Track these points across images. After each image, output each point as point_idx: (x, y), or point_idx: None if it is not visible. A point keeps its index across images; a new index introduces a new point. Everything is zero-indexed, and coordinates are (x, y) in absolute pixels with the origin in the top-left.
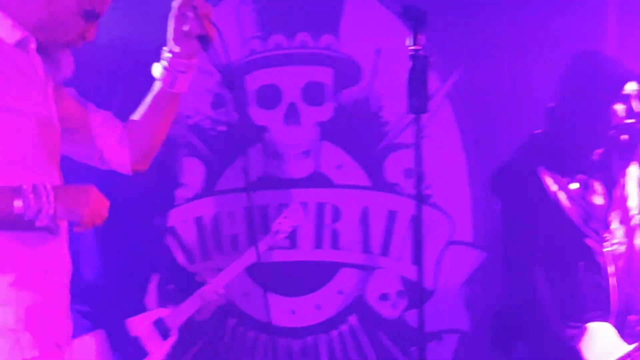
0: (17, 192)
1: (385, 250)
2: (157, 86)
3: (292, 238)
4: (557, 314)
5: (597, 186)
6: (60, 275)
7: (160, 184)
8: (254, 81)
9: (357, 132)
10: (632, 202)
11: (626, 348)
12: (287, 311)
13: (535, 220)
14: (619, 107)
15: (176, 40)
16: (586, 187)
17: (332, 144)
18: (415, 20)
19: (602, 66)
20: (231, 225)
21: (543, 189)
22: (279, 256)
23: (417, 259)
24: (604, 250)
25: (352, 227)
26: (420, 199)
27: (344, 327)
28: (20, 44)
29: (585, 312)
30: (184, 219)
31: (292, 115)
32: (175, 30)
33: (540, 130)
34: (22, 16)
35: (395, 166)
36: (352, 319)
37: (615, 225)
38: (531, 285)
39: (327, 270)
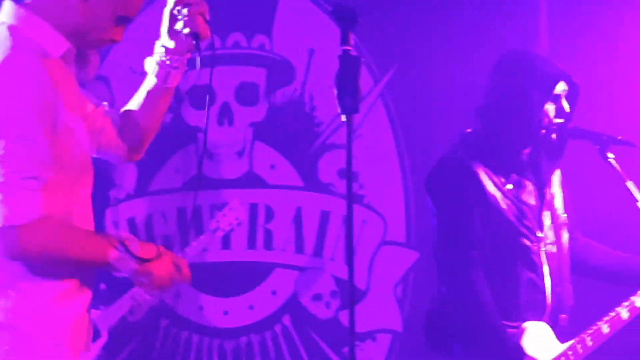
0: (115, 243)
1: (318, 251)
2: (150, 81)
3: (226, 238)
4: (498, 313)
5: (529, 186)
6: (93, 285)
7: (95, 184)
8: (187, 81)
9: (291, 133)
10: (557, 203)
11: (561, 347)
12: (220, 312)
13: (472, 220)
14: (550, 107)
15: (170, 36)
16: (519, 187)
17: (265, 144)
18: (345, 20)
19: (533, 65)
20: (164, 226)
21: (480, 188)
22: (212, 256)
23: (349, 259)
24: (540, 249)
25: (285, 227)
26: (351, 199)
27: (277, 328)
28: (65, 56)
29: (522, 311)
30: (116, 219)
31: (225, 115)
32: (170, 26)
33: (470, 130)
34: (60, 23)
35: (328, 166)
36: (286, 320)
37: (547, 224)
38: (469, 285)
39: (261, 270)
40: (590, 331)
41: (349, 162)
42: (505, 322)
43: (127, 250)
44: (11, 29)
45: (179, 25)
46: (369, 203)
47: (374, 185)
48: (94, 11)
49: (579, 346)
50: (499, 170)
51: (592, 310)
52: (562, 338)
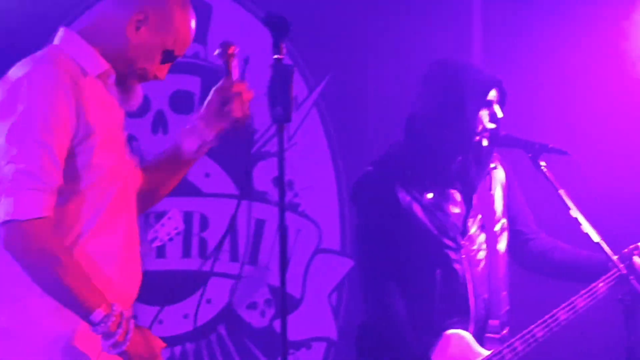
0: (103, 307)
1: (253, 259)
2: (178, 149)
3: (161, 247)
4: (412, 327)
5: (455, 194)
6: None
7: None
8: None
9: (226, 141)
10: (496, 207)
11: (484, 353)
12: (155, 320)
13: (389, 233)
14: (484, 113)
15: (216, 116)
16: (442, 197)
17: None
18: (276, 29)
19: (466, 73)
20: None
21: (396, 201)
22: (146, 265)
23: (281, 267)
24: (461, 257)
25: (220, 235)
26: (283, 209)
27: (212, 336)
28: (102, 76)
29: (445, 321)
30: None
31: (159, 124)
32: (218, 108)
33: (398, 140)
34: (108, 48)
35: (263, 174)
36: (221, 328)
37: (473, 231)
38: (385, 299)
39: (195, 279)
40: (521, 336)
41: (281, 171)
42: (428, 332)
43: (110, 322)
44: (54, 47)
45: (226, 109)
46: (303, 211)
47: (308, 194)
48: (144, 40)
49: (507, 351)
50: (420, 181)
51: (535, 312)
52: (492, 345)
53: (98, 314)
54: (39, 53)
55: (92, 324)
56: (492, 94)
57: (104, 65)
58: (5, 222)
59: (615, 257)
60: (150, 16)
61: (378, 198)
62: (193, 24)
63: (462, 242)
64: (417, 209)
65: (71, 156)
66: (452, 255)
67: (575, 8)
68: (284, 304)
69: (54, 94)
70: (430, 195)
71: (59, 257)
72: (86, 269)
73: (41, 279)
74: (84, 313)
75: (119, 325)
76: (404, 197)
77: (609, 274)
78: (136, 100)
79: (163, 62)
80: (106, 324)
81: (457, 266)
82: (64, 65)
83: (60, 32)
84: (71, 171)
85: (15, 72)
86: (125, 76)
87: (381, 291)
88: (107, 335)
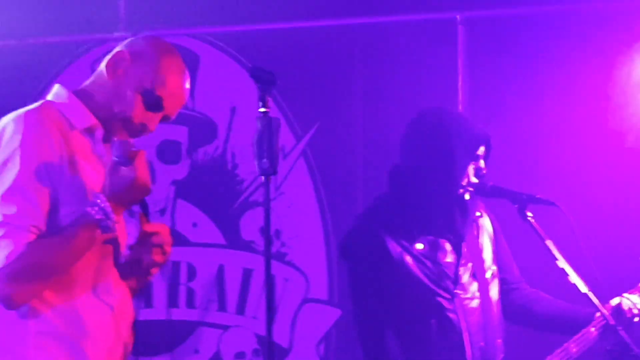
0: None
1: (241, 309)
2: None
3: (148, 297)
4: None
5: (446, 244)
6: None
7: None
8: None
9: (213, 191)
10: (485, 255)
11: None
12: None
13: (382, 284)
14: (471, 167)
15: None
16: (434, 247)
17: (187, 202)
18: (263, 82)
19: (457, 126)
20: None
21: (388, 253)
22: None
23: (269, 317)
24: (455, 306)
25: (207, 285)
26: (269, 261)
27: None
28: (88, 131)
29: None
30: None
31: None
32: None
33: (385, 192)
34: (95, 104)
35: (250, 224)
36: None
37: (465, 279)
38: (382, 350)
39: (183, 329)
40: None
41: (267, 223)
42: None
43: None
44: (45, 101)
45: (141, 258)
46: (290, 260)
47: (296, 243)
48: (121, 79)
49: None
50: (409, 232)
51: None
52: None
53: (92, 218)
54: (31, 106)
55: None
56: (480, 149)
57: (91, 120)
58: None
59: (604, 310)
60: (127, 55)
61: (369, 250)
62: (181, 73)
63: (455, 291)
64: (408, 259)
65: (56, 205)
66: (446, 304)
67: (560, 56)
68: (272, 353)
69: (41, 145)
70: (420, 246)
71: (47, 257)
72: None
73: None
74: (89, 230)
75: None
76: (395, 248)
77: (597, 319)
78: (124, 163)
79: (148, 107)
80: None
81: (451, 315)
82: (53, 118)
83: (54, 87)
84: (56, 223)
85: (6, 122)
86: (112, 126)
87: (379, 341)
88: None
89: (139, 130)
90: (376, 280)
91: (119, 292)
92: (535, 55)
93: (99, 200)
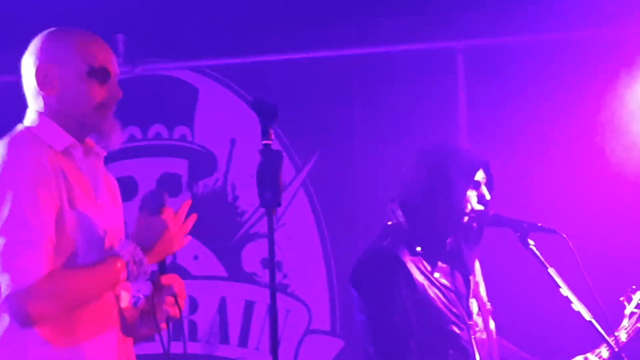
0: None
1: (243, 341)
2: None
3: None
4: None
5: (457, 274)
6: None
7: None
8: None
9: (214, 223)
10: (482, 289)
11: None
12: None
13: (405, 310)
14: (471, 194)
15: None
16: (448, 274)
17: (188, 234)
18: (265, 114)
19: (454, 153)
20: None
21: (409, 276)
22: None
23: (273, 349)
24: (470, 337)
25: (209, 318)
26: (274, 293)
27: None
28: (67, 150)
29: None
30: None
31: None
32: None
33: (393, 222)
34: (65, 115)
35: (252, 256)
36: None
37: (474, 311)
38: None
39: None
40: None
41: (271, 255)
42: None
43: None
44: (24, 129)
45: (160, 314)
46: (293, 292)
47: (297, 274)
48: (62, 86)
49: None
50: (426, 259)
51: None
52: None
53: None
54: (11, 135)
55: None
56: (480, 175)
57: (68, 139)
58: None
59: (609, 338)
60: (48, 64)
61: (391, 273)
62: (92, 39)
63: (469, 323)
64: (428, 286)
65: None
66: (462, 334)
67: (559, 84)
68: None
69: (35, 172)
70: (437, 275)
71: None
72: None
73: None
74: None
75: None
76: (416, 272)
77: (607, 343)
78: (115, 137)
79: (101, 81)
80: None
81: (467, 346)
82: (36, 144)
83: (27, 112)
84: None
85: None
86: (86, 123)
87: None
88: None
89: (111, 104)
90: (399, 304)
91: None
92: (535, 83)
93: (132, 248)
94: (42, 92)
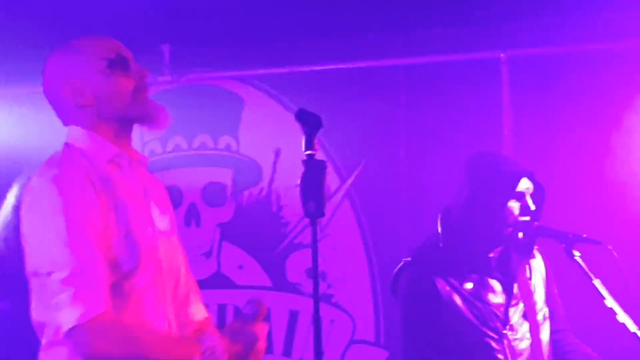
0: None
1: (287, 351)
2: None
3: None
4: None
5: (494, 284)
6: None
7: None
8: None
9: (258, 233)
10: (537, 297)
11: None
12: None
13: (432, 324)
14: (514, 205)
15: None
16: (481, 286)
17: (232, 244)
18: (309, 125)
19: (496, 164)
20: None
21: (437, 292)
22: None
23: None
24: (504, 347)
25: None
26: (317, 303)
27: None
28: (113, 161)
29: None
30: None
31: (192, 216)
32: None
33: (434, 232)
34: (108, 118)
35: (296, 266)
36: None
37: (515, 320)
38: None
39: None
40: None
41: (314, 265)
42: None
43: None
44: (65, 146)
45: None
46: (337, 302)
47: (341, 284)
48: (94, 90)
49: None
50: (459, 272)
51: None
52: None
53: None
54: (53, 157)
55: None
56: (524, 186)
57: (113, 150)
58: (70, 330)
59: None
60: (65, 79)
61: (418, 290)
62: (95, 37)
63: (504, 332)
64: (457, 299)
65: (109, 247)
66: (494, 345)
67: (604, 93)
68: None
69: (77, 196)
70: (469, 286)
71: (134, 340)
72: None
73: None
74: None
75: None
76: (444, 287)
77: None
78: (161, 116)
79: (123, 71)
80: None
81: (499, 356)
82: (76, 164)
83: (69, 129)
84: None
85: (36, 180)
86: (130, 114)
87: None
88: None
89: (144, 87)
90: (426, 321)
91: (179, 329)
92: (579, 93)
93: (218, 341)
94: (76, 107)
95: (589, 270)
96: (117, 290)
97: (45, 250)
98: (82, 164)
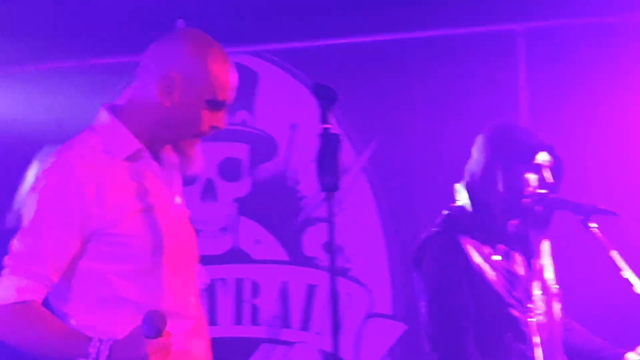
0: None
1: (305, 325)
2: None
3: (212, 314)
4: None
5: (517, 257)
6: None
7: None
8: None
9: (275, 207)
10: (548, 274)
11: None
12: None
13: (462, 293)
14: (532, 177)
15: None
16: (507, 258)
17: (249, 219)
18: (324, 98)
19: (514, 136)
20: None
21: (467, 260)
22: None
23: (334, 333)
24: (529, 320)
25: (271, 302)
26: (334, 277)
27: None
28: (134, 157)
29: None
30: None
31: (209, 191)
32: None
33: (454, 203)
34: (146, 121)
35: (313, 240)
36: None
37: (536, 295)
38: (464, 357)
39: (247, 346)
40: None
41: (331, 239)
42: None
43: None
44: (88, 131)
45: None
46: (354, 276)
47: (358, 258)
48: (180, 101)
49: None
50: (485, 241)
51: None
52: None
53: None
54: (72, 140)
55: None
56: (542, 158)
57: (135, 145)
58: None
59: None
60: (177, 77)
61: (449, 256)
62: (227, 64)
63: (528, 306)
64: (486, 268)
65: (100, 243)
66: (521, 317)
67: (621, 66)
68: None
69: (66, 190)
70: (497, 257)
71: (32, 332)
72: None
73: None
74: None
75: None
76: (474, 255)
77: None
78: (197, 164)
79: (213, 111)
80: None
81: (525, 329)
82: (88, 156)
83: (100, 112)
84: (104, 257)
85: (50, 160)
86: (179, 141)
87: (459, 349)
88: None
89: (209, 132)
90: (456, 287)
91: (195, 309)
92: (595, 65)
93: (98, 347)
94: (156, 99)
95: (606, 241)
96: (142, 270)
97: (20, 232)
98: (96, 156)
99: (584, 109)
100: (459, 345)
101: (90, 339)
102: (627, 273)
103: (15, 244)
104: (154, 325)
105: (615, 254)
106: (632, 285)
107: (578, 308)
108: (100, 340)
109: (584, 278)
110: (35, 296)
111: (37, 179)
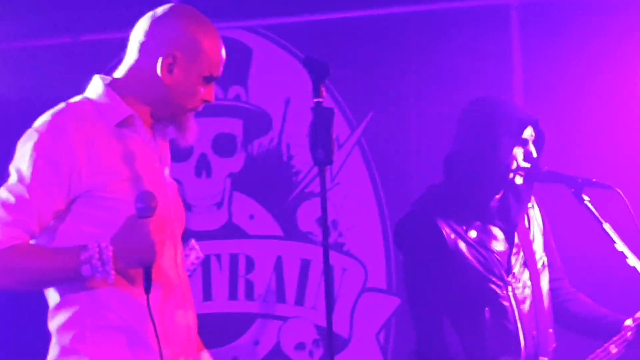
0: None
1: (300, 300)
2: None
3: (207, 289)
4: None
5: (496, 232)
6: None
7: None
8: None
9: (269, 182)
10: (536, 246)
11: None
12: None
13: (438, 270)
14: (518, 151)
15: None
16: (484, 233)
17: (244, 194)
18: (316, 72)
19: (502, 110)
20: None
21: (443, 239)
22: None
23: (328, 307)
24: (509, 294)
25: (266, 277)
26: (327, 253)
27: None
28: (125, 123)
29: (496, 358)
30: None
31: (203, 167)
32: None
33: (440, 179)
34: (145, 95)
35: (307, 215)
36: None
37: (517, 268)
38: (439, 335)
39: (243, 321)
40: None
41: (323, 212)
42: None
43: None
44: (81, 99)
45: None
46: (348, 250)
47: (353, 233)
48: (181, 79)
49: None
50: (462, 219)
51: (577, 352)
52: None
53: (85, 270)
54: (63, 104)
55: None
56: (528, 133)
57: (127, 111)
58: None
59: None
60: (179, 55)
61: (424, 236)
62: (219, 39)
63: (508, 280)
64: (462, 246)
65: (90, 206)
66: (499, 292)
67: (615, 40)
68: (332, 344)
69: (56, 146)
70: (473, 234)
71: (25, 266)
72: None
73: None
74: (72, 274)
75: (99, 260)
76: (449, 234)
77: (620, 336)
78: (192, 135)
79: (207, 84)
80: (94, 265)
81: (505, 303)
82: (80, 117)
83: (93, 81)
84: (93, 220)
85: (39, 120)
86: (176, 115)
87: (436, 328)
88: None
89: (200, 106)
90: (431, 266)
91: (180, 280)
92: (589, 39)
93: (97, 247)
94: (155, 77)
95: (599, 214)
96: None
97: (8, 182)
98: (86, 120)
99: (578, 83)
100: (435, 327)
101: (85, 245)
102: (621, 245)
103: (2, 192)
104: (147, 203)
105: (608, 227)
106: (625, 257)
107: (571, 280)
108: (98, 242)
109: (577, 251)
110: (18, 242)
111: (28, 134)
